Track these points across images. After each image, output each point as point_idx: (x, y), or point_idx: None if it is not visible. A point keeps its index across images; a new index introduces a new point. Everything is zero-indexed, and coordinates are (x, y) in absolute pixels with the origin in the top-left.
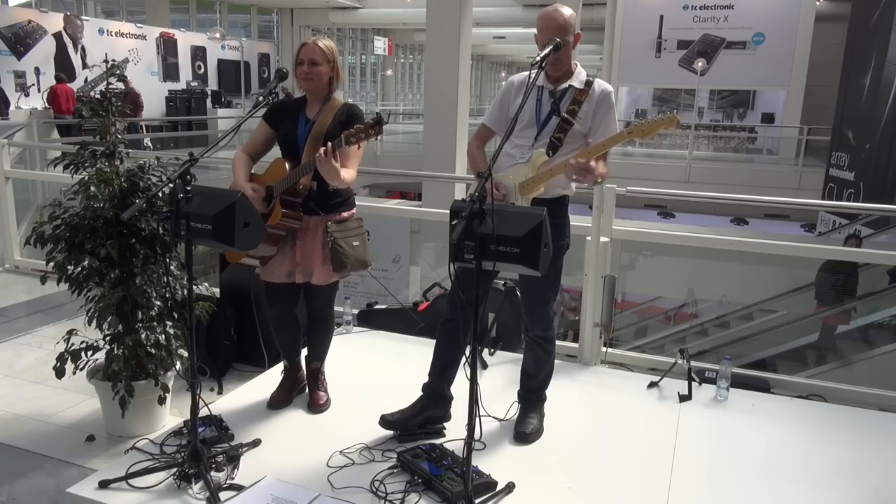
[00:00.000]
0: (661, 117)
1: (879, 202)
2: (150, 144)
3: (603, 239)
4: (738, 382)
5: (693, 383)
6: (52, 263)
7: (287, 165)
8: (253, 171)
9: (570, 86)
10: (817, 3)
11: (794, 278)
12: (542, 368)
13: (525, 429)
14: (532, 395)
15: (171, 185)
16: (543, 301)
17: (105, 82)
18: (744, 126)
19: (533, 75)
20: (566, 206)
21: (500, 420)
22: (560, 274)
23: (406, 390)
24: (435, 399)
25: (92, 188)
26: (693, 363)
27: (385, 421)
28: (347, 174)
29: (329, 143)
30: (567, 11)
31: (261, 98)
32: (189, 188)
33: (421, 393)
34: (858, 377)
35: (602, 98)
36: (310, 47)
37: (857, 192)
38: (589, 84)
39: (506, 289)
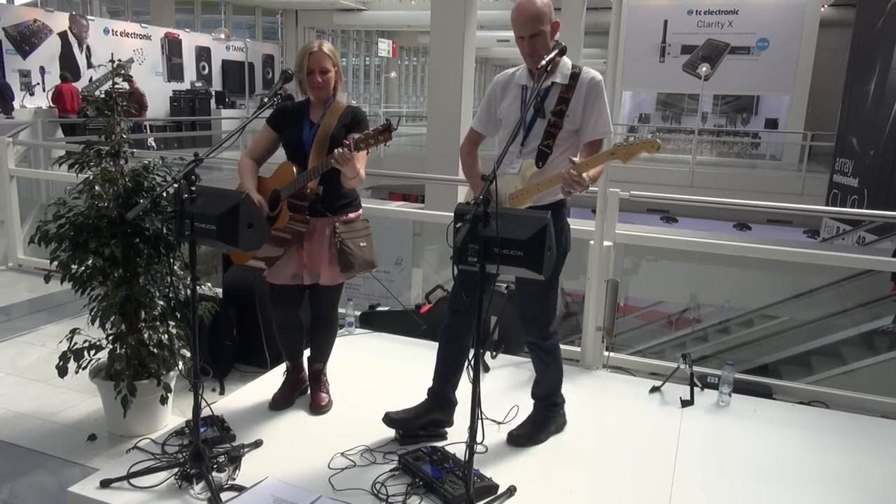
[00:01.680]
0: (642, 141)
1: (884, 209)
2: (153, 144)
3: (606, 243)
4: (741, 388)
5: (695, 388)
6: (56, 262)
7: (294, 169)
8: (259, 175)
9: (553, 83)
10: (821, 8)
11: (797, 284)
12: (544, 375)
13: (518, 431)
14: (540, 402)
15: (176, 185)
16: (537, 309)
17: (111, 82)
18: (747, 131)
19: (539, 78)
20: (562, 211)
21: (499, 423)
22: (557, 280)
23: (408, 392)
24: (440, 403)
25: (97, 187)
26: (695, 368)
27: (389, 419)
28: (362, 173)
29: (349, 142)
30: (539, 2)
31: (266, 100)
32: (194, 188)
33: (426, 396)
34: (861, 384)
35: (590, 88)
36: (318, 55)
37: (862, 198)
38: (575, 77)
39: (508, 292)
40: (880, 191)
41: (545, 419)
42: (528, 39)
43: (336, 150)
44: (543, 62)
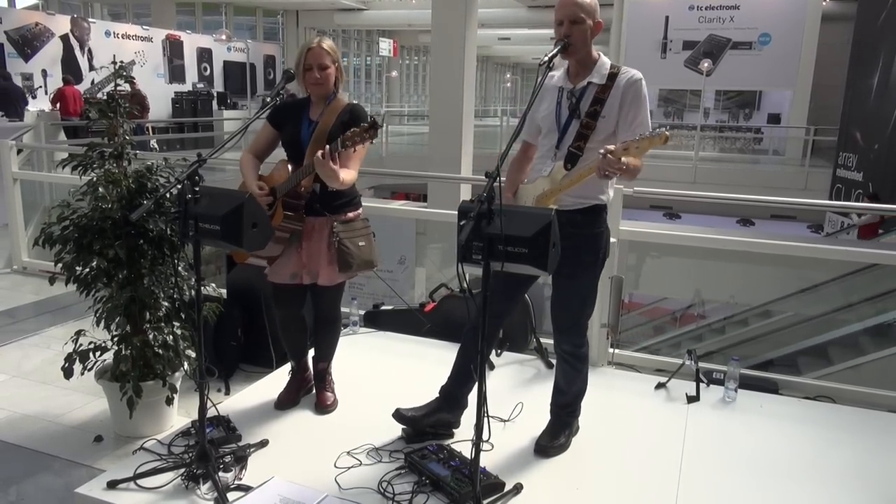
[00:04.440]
0: (650, 135)
1: (890, 203)
2: (156, 146)
3: (611, 240)
4: (746, 383)
5: (701, 384)
6: (60, 264)
7: (289, 167)
8: (259, 173)
9: (589, 83)
10: (823, 3)
11: (802, 279)
12: (571, 385)
13: (546, 442)
14: (562, 410)
15: (180, 186)
16: (573, 317)
17: (113, 84)
18: (750, 127)
19: (540, 75)
20: (602, 215)
21: (504, 421)
22: (595, 289)
23: (413, 391)
24: (451, 403)
25: (100, 189)
26: (701, 364)
27: (399, 415)
28: (347, 175)
29: (328, 147)
30: None
31: (268, 99)
32: (197, 189)
33: (437, 395)
34: (867, 378)
35: (628, 86)
36: (316, 51)
37: (866, 192)
38: (613, 77)
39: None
40: (886, 185)
41: (568, 425)
42: (568, 25)
43: (318, 152)
44: (545, 58)
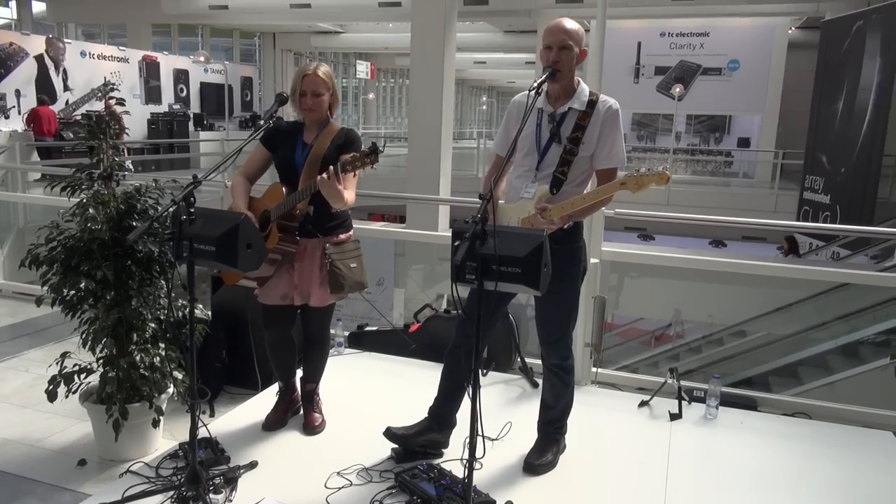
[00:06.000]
0: (652, 173)
1: (857, 224)
2: (131, 167)
3: (593, 260)
4: (726, 401)
5: (683, 402)
6: (47, 286)
7: (284, 190)
8: (251, 195)
9: (569, 108)
10: (790, 30)
11: (776, 298)
12: (560, 399)
13: (535, 460)
14: (550, 426)
15: (175, 207)
16: (561, 330)
17: (102, 103)
18: (720, 150)
19: (530, 99)
20: (580, 231)
21: (492, 440)
22: (577, 301)
23: (400, 410)
24: (440, 423)
25: (90, 210)
26: (682, 382)
27: (390, 433)
28: (349, 196)
29: (331, 167)
30: (577, 24)
31: (262, 122)
32: (192, 210)
33: (426, 415)
34: (841, 395)
35: (607, 116)
36: (312, 79)
37: (834, 214)
38: (592, 104)
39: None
40: (853, 207)
41: (556, 442)
42: (557, 50)
43: (324, 173)
44: (535, 84)
